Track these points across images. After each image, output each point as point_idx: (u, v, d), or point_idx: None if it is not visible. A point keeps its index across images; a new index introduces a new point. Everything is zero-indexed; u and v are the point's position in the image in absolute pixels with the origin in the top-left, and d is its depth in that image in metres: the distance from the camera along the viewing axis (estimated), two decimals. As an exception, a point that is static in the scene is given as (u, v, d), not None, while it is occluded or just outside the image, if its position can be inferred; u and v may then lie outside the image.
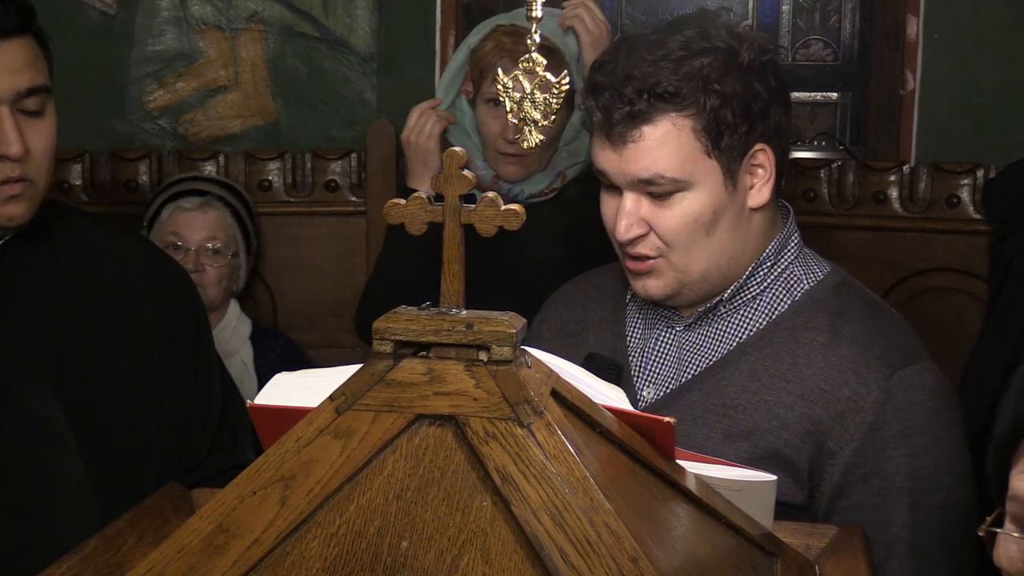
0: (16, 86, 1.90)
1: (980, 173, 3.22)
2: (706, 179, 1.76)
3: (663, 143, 1.75)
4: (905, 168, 3.29)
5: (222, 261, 3.08)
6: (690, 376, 1.84)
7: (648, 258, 1.81)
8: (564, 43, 2.71)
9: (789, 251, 1.87)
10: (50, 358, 1.97)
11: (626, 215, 1.79)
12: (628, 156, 1.76)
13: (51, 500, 1.91)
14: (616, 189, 1.81)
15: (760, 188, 1.81)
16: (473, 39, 2.79)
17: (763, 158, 1.80)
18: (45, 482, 1.92)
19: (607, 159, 1.79)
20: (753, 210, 1.82)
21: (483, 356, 1.02)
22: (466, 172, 1.06)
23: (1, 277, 1.97)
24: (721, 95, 1.74)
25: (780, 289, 1.85)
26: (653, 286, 1.82)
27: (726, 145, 1.76)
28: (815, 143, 3.68)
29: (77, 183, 3.39)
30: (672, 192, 1.76)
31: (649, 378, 1.88)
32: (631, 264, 1.83)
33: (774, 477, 1.35)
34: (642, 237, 1.79)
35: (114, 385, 2.01)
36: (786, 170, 1.88)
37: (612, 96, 1.76)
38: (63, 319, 2.00)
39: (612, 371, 1.81)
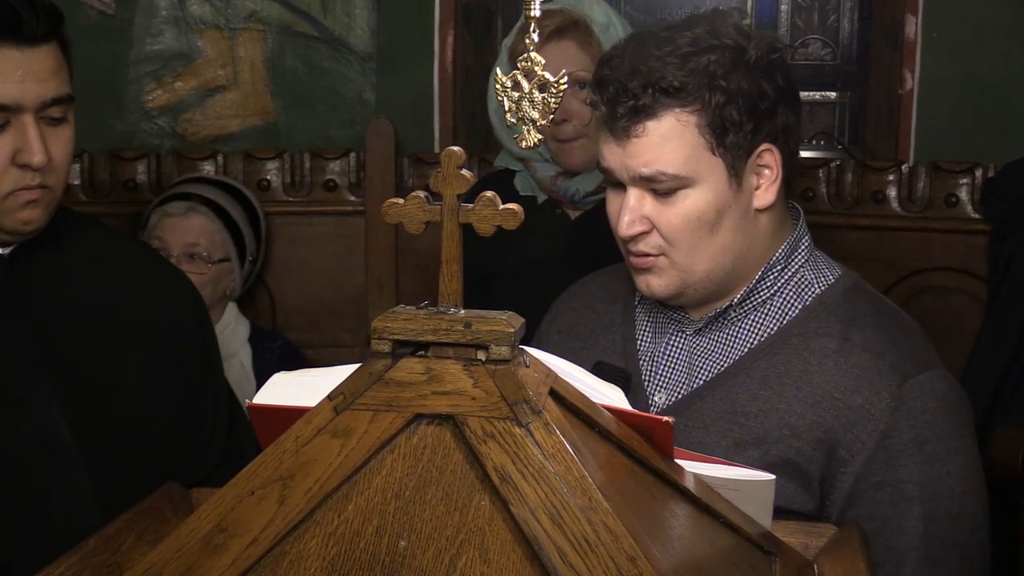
0: (43, 95, 1.88)
1: (979, 173, 3.22)
2: (710, 176, 1.75)
3: (667, 139, 1.74)
4: (904, 168, 3.29)
5: (203, 267, 3.05)
6: (701, 382, 1.83)
7: (649, 255, 1.80)
8: (592, 13, 2.67)
9: (800, 254, 1.85)
10: (56, 366, 1.95)
11: (629, 211, 1.77)
12: (631, 151, 1.75)
13: (52, 509, 1.90)
14: (620, 186, 1.80)
15: (766, 189, 1.79)
16: (507, 40, 2.78)
17: (769, 158, 1.78)
18: (47, 490, 1.90)
19: (611, 154, 1.78)
20: (759, 211, 1.80)
21: (481, 356, 1.02)
22: (464, 172, 1.06)
23: (9, 284, 1.95)
24: (727, 92, 1.73)
25: (791, 293, 1.84)
26: (656, 284, 1.81)
27: (731, 143, 1.74)
28: (814, 142, 3.68)
29: (76, 183, 3.39)
30: (675, 189, 1.75)
31: (660, 383, 1.87)
32: (633, 260, 1.82)
33: (772, 476, 1.35)
34: (644, 235, 1.78)
35: (118, 395, 2.00)
36: (795, 171, 1.86)
37: (617, 90, 1.75)
38: (70, 326, 1.99)
39: (621, 379, 1.79)
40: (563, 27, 2.62)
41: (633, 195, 1.77)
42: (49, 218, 1.95)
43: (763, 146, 1.77)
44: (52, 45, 1.89)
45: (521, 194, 2.77)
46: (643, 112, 1.74)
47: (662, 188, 1.75)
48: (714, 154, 1.75)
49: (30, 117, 1.87)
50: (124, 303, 2.05)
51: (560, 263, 2.65)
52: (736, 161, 1.76)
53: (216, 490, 1.04)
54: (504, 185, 2.77)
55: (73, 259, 2.03)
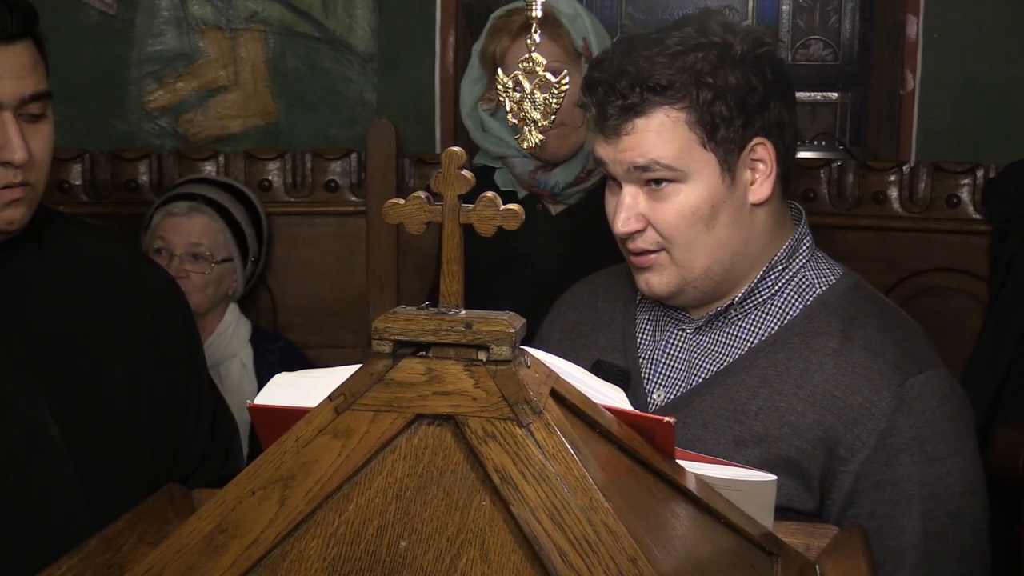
0: (21, 92, 1.87)
1: (980, 173, 3.22)
2: (703, 171, 1.76)
3: (658, 132, 1.75)
4: (905, 168, 3.29)
5: (206, 267, 3.05)
6: (701, 380, 1.84)
7: (649, 252, 1.80)
8: (559, 5, 2.66)
9: (801, 254, 1.86)
10: (41, 364, 1.94)
11: (624, 208, 1.79)
12: (623, 146, 1.77)
13: (43, 507, 1.89)
14: (616, 184, 1.81)
15: (761, 183, 1.80)
16: (477, 44, 2.79)
17: (763, 152, 1.79)
18: (37, 489, 1.90)
19: (603, 152, 1.80)
20: (755, 206, 1.81)
21: (482, 356, 1.02)
22: (465, 172, 1.06)
23: None
24: (714, 88, 1.74)
25: (792, 293, 1.84)
26: (656, 282, 1.82)
27: (722, 137, 1.75)
28: (815, 143, 3.69)
29: (77, 183, 3.39)
30: (669, 181, 1.76)
31: (659, 381, 1.88)
32: (633, 259, 1.83)
33: (774, 477, 1.35)
34: (640, 232, 1.79)
35: (105, 392, 2.00)
36: (792, 167, 1.87)
37: (606, 91, 1.76)
38: (53, 325, 1.98)
39: (620, 377, 1.80)
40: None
41: (628, 193, 1.79)
42: (30, 217, 1.95)
43: (755, 140, 1.78)
44: (28, 42, 1.89)
45: (501, 190, 2.78)
46: (632, 110, 1.75)
47: (656, 177, 1.76)
48: (706, 149, 1.76)
49: (9, 115, 1.87)
50: (107, 300, 2.04)
51: (541, 258, 2.67)
52: (728, 156, 1.77)
53: (217, 490, 1.04)
54: (485, 182, 2.78)
55: (55, 257, 2.03)
